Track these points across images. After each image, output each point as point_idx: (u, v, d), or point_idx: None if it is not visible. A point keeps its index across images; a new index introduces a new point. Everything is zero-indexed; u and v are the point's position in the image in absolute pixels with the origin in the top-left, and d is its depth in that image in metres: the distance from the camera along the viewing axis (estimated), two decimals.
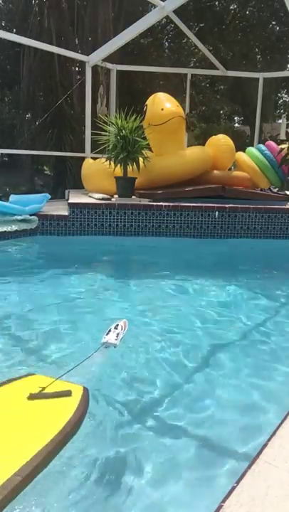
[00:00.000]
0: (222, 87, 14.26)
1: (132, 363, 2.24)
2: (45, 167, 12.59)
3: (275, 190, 7.02)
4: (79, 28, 9.49)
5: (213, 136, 6.71)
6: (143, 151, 5.76)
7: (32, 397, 1.65)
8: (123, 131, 5.57)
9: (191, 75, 9.22)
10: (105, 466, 1.48)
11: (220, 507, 1.06)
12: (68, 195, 6.73)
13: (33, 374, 1.90)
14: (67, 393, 1.68)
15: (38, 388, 1.69)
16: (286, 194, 6.89)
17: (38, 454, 1.32)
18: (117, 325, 2.42)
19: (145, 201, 5.62)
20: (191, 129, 7.66)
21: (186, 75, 9.09)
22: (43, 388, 1.70)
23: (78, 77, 9.18)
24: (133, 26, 6.96)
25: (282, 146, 6.41)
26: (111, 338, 2.29)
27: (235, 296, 3.54)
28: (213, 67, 8.87)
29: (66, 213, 5.37)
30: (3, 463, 1.29)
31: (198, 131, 13.71)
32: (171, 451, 1.59)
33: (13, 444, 1.40)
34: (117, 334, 2.33)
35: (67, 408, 1.59)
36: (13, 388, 1.73)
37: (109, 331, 2.36)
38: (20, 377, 1.83)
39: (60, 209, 5.64)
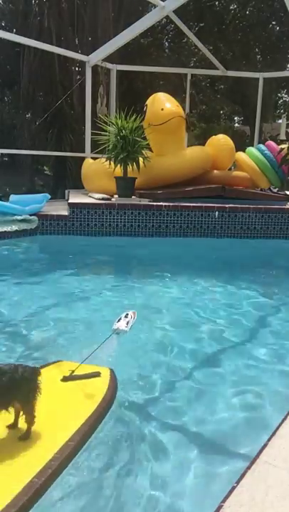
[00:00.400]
0: (222, 86, 14.25)
1: (141, 350, 2.36)
2: (45, 167, 12.58)
3: (275, 190, 7.02)
4: (79, 28, 9.49)
5: (213, 136, 6.71)
6: (143, 151, 5.75)
7: (65, 379, 1.83)
8: (123, 131, 5.57)
9: (191, 74, 9.22)
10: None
11: (220, 507, 1.05)
12: (68, 195, 6.73)
13: (60, 361, 2.05)
14: (97, 374, 1.87)
15: (68, 372, 1.87)
16: (286, 194, 6.88)
17: (84, 425, 1.52)
18: (127, 314, 2.59)
19: (145, 201, 5.62)
20: (191, 129, 7.68)
21: (186, 74, 9.09)
22: (73, 371, 1.84)
23: (78, 77, 9.18)
24: (133, 26, 6.96)
25: (282, 146, 6.41)
26: (121, 325, 2.46)
27: (234, 294, 3.53)
28: (213, 67, 8.87)
29: (66, 213, 5.36)
30: (55, 434, 1.48)
31: (198, 131, 13.72)
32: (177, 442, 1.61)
33: (56, 420, 1.57)
34: (127, 322, 2.50)
35: (99, 387, 1.79)
36: (45, 373, 1.84)
37: (120, 319, 2.54)
38: (49, 364, 2.00)
39: (60, 209, 5.64)
